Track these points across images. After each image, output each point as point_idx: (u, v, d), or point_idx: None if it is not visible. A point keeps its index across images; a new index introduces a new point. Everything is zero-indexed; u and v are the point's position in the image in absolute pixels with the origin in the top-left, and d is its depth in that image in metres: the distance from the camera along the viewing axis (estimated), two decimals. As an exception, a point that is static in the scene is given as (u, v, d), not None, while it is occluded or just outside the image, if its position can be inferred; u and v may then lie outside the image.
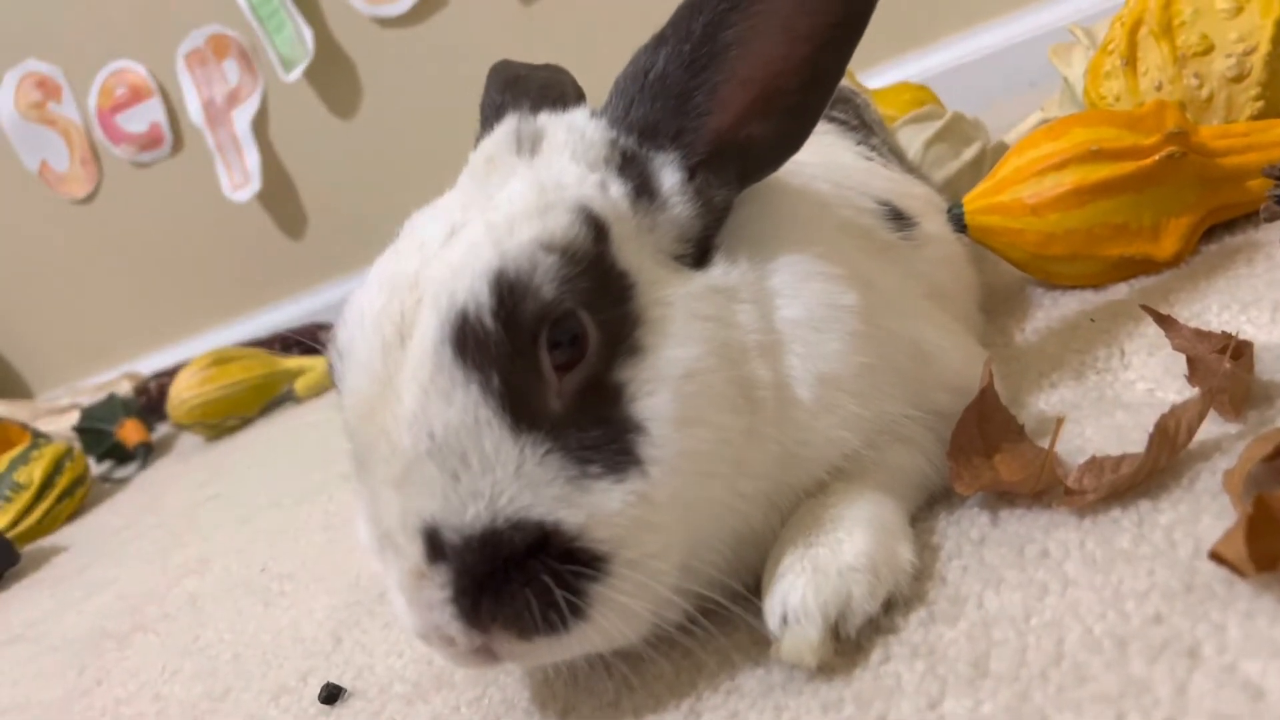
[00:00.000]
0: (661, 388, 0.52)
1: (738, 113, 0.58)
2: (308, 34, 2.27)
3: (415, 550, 0.50)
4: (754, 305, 0.57)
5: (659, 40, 0.58)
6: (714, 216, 0.59)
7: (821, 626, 0.50)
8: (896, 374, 0.60)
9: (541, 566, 0.49)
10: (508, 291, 0.50)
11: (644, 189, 0.58)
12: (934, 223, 0.76)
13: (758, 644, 0.55)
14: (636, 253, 0.56)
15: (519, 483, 0.50)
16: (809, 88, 0.58)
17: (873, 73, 1.90)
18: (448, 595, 0.50)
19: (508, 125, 0.63)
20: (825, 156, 0.75)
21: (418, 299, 0.52)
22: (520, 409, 0.50)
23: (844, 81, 1.10)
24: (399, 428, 0.51)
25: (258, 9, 2.30)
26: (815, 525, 0.55)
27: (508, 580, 0.49)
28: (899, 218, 0.70)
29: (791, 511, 0.59)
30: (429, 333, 0.51)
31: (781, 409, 0.56)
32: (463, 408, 0.50)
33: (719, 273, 0.57)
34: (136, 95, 2.58)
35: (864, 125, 0.96)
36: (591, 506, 0.50)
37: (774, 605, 0.52)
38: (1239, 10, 0.83)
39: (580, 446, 0.51)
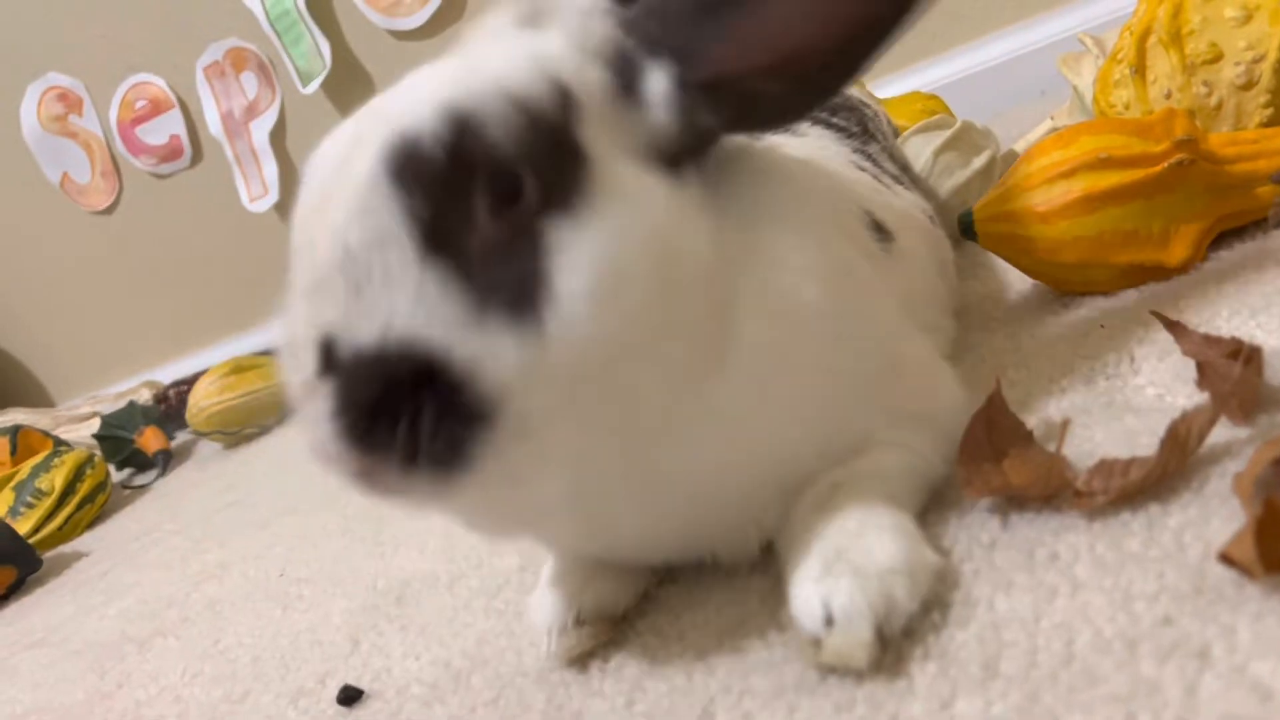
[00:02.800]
0: (587, 260, 0.50)
1: (750, 62, 0.55)
2: (325, 47, 2.30)
3: (309, 361, 0.50)
4: (716, 225, 0.55)
5: None
6: (694, 137, 0.56)
7: (873, 624, 0.50)
8: (862, 355, 0.59)
9: (430, 398, 0.48)
10: (455, 125, 0.50)
11: (628, 87, 0.55)
12: (907, 237, 0.76)
13: (770, 646, 0.56)
14: (600, 138, 0.53)
15: (417, 307, 0.49)
16: (828, 69, 0.56)
17: (884, 82, 1.90)
18: (331, 411, 0.49)
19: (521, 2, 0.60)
20: (814, 156, 0.75)
21: (376, 123, 0.52)
22: (439, 238, 0.49)
23: (855, 92, 1.11)
24: (322, 239, 0.50)
25: (276, 22, 2.32)
26: (838, 533, 0.54)
27: (392, 407, 0.49)
28: (878, 229, 0.70)
29: (770, 492, 0.59)
30: (371, 150, 0.50)
31: (724, 334, 0.55)
32: (381, 224, 0.49)
33: (691, 188, 0.55)
34: (156, 108, 2.61)
35: (865, 133, 0.96)
36: (485, 345, 0.49)
37: (813, 608, 0.51)
38: (1248, 18, 0.83)
39: (489, 288, 0.49)
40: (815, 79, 0.55)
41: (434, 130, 0.50)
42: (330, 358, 0.49)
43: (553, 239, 0.50)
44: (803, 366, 0.57)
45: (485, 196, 0.50)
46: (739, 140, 0.62)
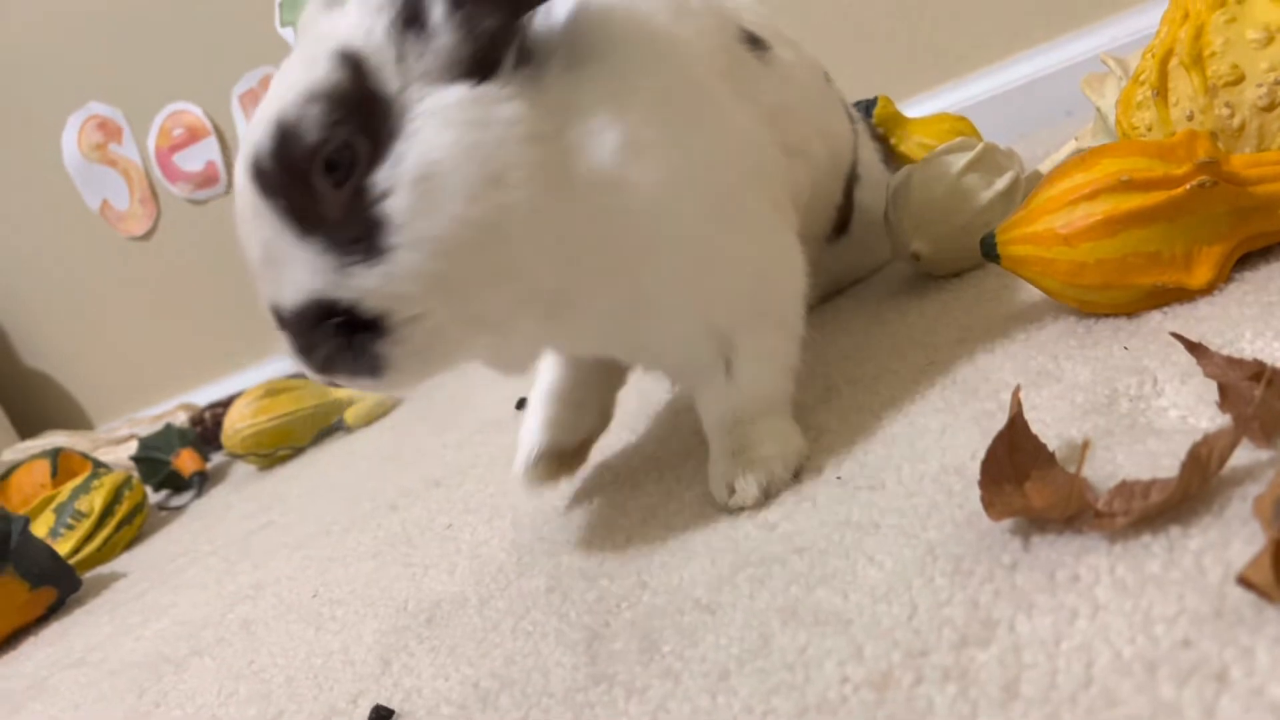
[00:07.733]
0: (400, 188, 0.65)
1: None
2: (357, 75, 2.34)
3: (272, 320, 0.71)
4: (528, 102, 0.69)
5: None
6: (484, 40, 0.69)
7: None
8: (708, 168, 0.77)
9: (342, 330, 0.68)
10: (282, 138, 0.66)
11: (413, 21, 0.69)
12: (787, 51, 0.97)
13: (790, 668, 0.56)
14: (401, 77, 0.68)
15: (309, 274, 0.67)
16: None
17: (912, 103, 1.91)
18: (291, 349, 0.70)
19: None
20: None
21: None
22: (305, 222, 0.67)
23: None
24: (249, 242, 0.70)
25: (309, 52, 2.37)
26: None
27: (325, 340, 0.68)
28: (752, 40, 0.90)
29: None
30: (243, 172, 0.69)
31: (571, 174, 0.70)
32: (269, 226, 0.68)
33: (495, 85, 0.68)
34: (193, 135, 2.67)
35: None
36: (357, 288, 0.67)
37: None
38: (1270, 40, 0.83)
39: (348, 243, 0.66)
40: None
41: (268, 147, 0.67)
42: (279, 317, 0.70)
43: (379, 180, 0.66)
44: (659, 130, 0.72)
45: (324, 176, 0.66)
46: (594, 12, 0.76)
